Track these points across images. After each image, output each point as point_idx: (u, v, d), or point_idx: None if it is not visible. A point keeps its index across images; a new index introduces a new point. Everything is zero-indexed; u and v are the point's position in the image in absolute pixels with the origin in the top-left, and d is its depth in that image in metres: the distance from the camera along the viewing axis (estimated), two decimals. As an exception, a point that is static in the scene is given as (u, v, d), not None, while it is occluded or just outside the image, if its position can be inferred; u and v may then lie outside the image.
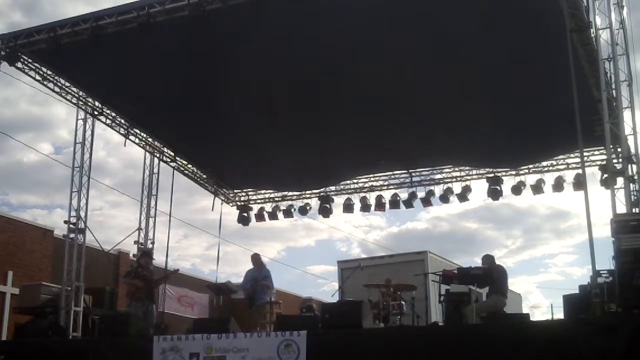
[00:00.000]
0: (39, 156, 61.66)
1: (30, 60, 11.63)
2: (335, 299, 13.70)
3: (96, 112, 13.29)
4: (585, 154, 12.62)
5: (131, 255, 16.73)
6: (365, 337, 8.44)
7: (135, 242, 15.07)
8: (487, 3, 9.65)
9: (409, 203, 16.33)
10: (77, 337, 12.30)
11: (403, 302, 11.55)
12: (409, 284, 12.03)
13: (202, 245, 50.49)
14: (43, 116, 42.98)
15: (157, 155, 15.49)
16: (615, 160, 9.02)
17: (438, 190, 16.18)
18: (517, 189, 15.46)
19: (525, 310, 20.73)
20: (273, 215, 17.52)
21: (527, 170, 15.40)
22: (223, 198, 17.67)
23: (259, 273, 12.07)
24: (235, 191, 17.88)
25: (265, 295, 11.88)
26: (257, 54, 11.00)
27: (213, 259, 54.17)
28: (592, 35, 9.41)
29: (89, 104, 13.12)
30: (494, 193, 15.46)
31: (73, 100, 12.87)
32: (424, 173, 16.31)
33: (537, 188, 15.29)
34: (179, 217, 31.26)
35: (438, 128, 13.42)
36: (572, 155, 14.72)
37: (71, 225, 12.98)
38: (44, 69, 11.94)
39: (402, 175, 16.42)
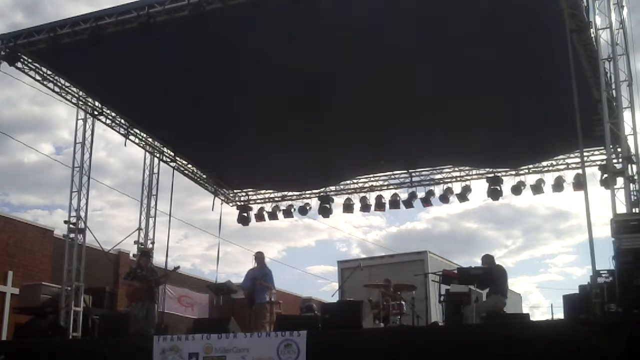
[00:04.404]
0: (40, 156, 61.70)
1: (30, 60, 11.63)
2: (335, 299, 13.72)
3: (96, 112, 13.29)
4: (585, 154, 12.60)
5: (131, 255, 16.74)
6: (365, 337, 8.44)
7: (135, 242, 15.08)
8: (487, 3, 9.65)
9: (408, 203, 16.33)
10: (77, 337, 12.28)
11: (403, 302, 11.55)
12: (409, 284, 12.02)
13: (202, 245, 50.61)
14: (44, 116, 43.04)
15: (157, 155, 15.50)
16: (615, 160, 9.02)
17: (438, 190, 16.19)
18: (517, 189, 15.45)
19: (525, 310, 20.71)
20: (273, 215, 17.52)
21: (527, 170, 15.40)
22: (223, 198, 17.67)
23: (260, 272, 12.05)
24: (235, 191, 17.88)
25: (264, 294, 11.86)
26: (257, 54, 11.00)
27: (213, 259, 54.21)
28: (592, 35, 9.41)
29: (89, 104, 13.12)
30: (494, 193, 15.46)
31: (73, 100, 12.87)
32: (424, 173, 16.31)
33: (537, 188, 15.29)
34: (179, 217, 31.35)
35: (438, 128, 13.42)
36: (572, 155, 14.72)
37: (71, 225, 12.97)
38: (44, 69, 11.94)
39: (402, 175, 16.42)
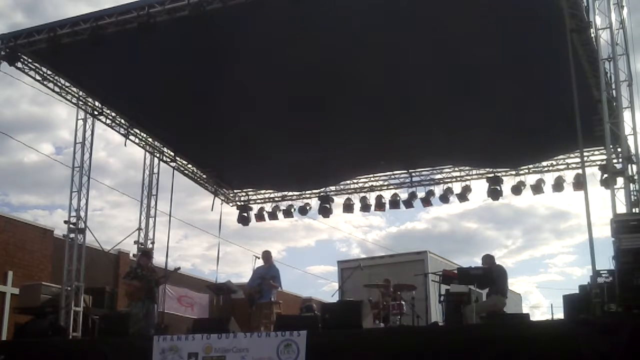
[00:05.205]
0: (40, 156, 61.66)
1: (30, 60, 11.63)
2: (335, 299, 13.72)
3: (96, 112, 13.29)
4: (585, 154, 12.61)
5: (131, 255, 16.74)
6: (365, 337, 8.45)
7: (135, 242, 15.08)
8: (487, 3, 9.65)
9: (409, 203, 16.33)
10: (77, 337, 12.29)
11: (403, 302, 11.55)
12: (409, 284, 12.02)
13: (202, 245, 50.57)
14: (44, 116, 43.06)
15: (157, 155, 15.50)
16: (615, 160, 9.02)
17: (438, 190, 16.18)
18: (517, 189, 15.45)
19: (525, 310, 20.72)
20: (273, 215, 17.51)
21: (527, 170, 15.39)
22: (223, 198, 17.67)
23: (268, 271, 12.05)
24: (235, 191, 17.87)
25: (270, 294, 11.85)
26: (257, 54, 11.01)
27: (213, 259, 54.26)
28: (592, 35, 9.41)
29: (89, 104, 13.12)
30: (494, 193, 15.46)
31: (73, 100, 12.87)
32: (424, 173, 16.30)
33: (537, 188, 15.29)
34: (179, 217, 31.30)
35: (438, 128, 13.42)
36: (572, 155, 14.71)
37: (71, 225, 12.97)
38: (44, 69, 11.94)
39: (402, 175, 16.42)
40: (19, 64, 11.46)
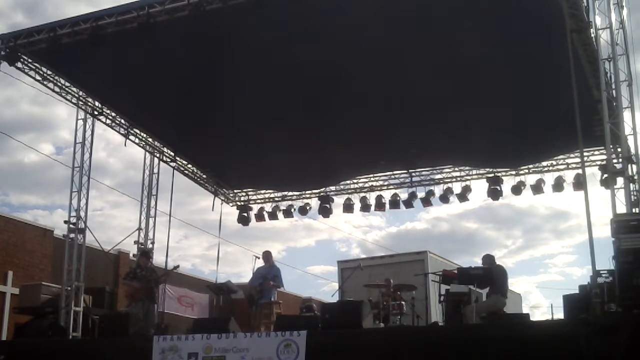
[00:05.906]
0: (40, 156, 61.75)
1: (30, 60, 11.63)
2: (335, 299, 13.71)
3: (96, 112, 13.29)
4: (585, 154, 12.61)
5: (131, 255, 16.74)
6: (365, 337, 8.45)
7: (135, 242, 15.08)
8: (487, 3, 9.66)
9: (409, 203, 16.33)
10: (77, 337, 12.30)
11: (403, 302, 11.56)
12: (409, 284, 12.03)
13: (202, 245, 50.59)
14: (44, 117, 43.08)
15: (157, 155, 15.50)
16: (615, 160, 9.02)
17: (438, 190, 16.19)
18: (517, 189, 15.46)
19: (525, 310, 20.73)
20: (273, 215, 17.52)
21: (527, 170, 15.39)
22: (223, 198, 17.67)
23: (269, 271, 12.05)
24: (235, 191, 17.88)
25: (270, 293, 11.86)
26: (257, 54, 11.00)
27: (213, 259, 54.23)
28: (592, 35, 9.41)
29: (89, 104, 13.12)
30: (494, 193, 15.46)
31: (73, 100, 12.87)
32: (424, 173, 16.30)
33: (537, 188, 15.29)
34: (179, 217, 31.30)
35: (438, 128, 13.42)
36: (572, 155, 14.72)
37: (71, 225, 12.98)
38: (44, 69, 11.94)
39: (402, 175, 16.42)
40: (19, 64, 11.46)
